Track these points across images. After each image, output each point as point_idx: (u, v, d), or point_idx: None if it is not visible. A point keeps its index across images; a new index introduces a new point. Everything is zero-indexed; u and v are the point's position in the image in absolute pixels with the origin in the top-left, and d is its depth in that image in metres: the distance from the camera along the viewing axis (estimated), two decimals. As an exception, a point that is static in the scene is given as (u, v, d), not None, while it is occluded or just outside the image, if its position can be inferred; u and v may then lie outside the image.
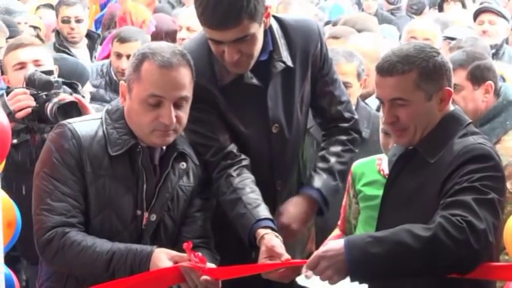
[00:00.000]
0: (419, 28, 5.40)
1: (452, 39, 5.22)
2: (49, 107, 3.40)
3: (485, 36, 6.09)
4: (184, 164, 2.89)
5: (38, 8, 8.01)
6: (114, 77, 5.27)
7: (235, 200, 2.91)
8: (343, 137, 3.20)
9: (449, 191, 2.57)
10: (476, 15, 6.40)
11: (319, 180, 3.10)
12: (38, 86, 3.52)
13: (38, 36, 6.62)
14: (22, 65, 3.87)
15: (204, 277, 2.65)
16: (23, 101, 3.42)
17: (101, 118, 2.85)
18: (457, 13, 7.43)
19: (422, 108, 2.70)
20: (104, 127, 2.81)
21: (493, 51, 5.94)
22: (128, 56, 5.08)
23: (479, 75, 3.67)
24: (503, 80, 4.05)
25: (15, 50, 3.97)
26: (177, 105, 2.77)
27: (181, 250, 2.74)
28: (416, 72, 2.67)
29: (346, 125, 3.21)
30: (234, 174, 2.95)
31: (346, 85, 3.80)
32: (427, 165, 2.68)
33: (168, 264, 2.66)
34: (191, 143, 2.99)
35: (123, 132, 2.80)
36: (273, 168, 3.10)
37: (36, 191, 2.79)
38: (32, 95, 3.48)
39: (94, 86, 5.23)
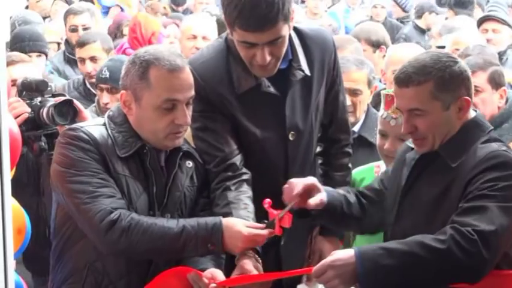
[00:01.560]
0: (465, 41, 5.27)
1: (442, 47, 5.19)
2: (44, 111, 3.39)
3: (490, 45, 6.07)
4: (190, 162, 2.92)
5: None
6: (89, 86, 5.21)
7: (225, 214, 2.89)
8: (346, 160, 3.35)
9: (468, 195, 2.59)
10: (480, 23, 6.38)
11: None
12: (33, 87, 3.50)
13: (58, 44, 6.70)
14: (13, 82, 3.83)
15: (212, 285, 2.67)
16: (19, 107, 3.41)
17: (104, 124, 2.86)
18: (463, 20, 7.41)
19: (440, 118, 2.70)
20: (109, 131, 2.82)
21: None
22: (91, 58, 5.13)
23: (497, 80, 3.71)
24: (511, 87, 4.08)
25: (6, 68, 3.97)
26: (187, 104, 2.81)
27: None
28: (432, 83, 2.68)
29: (347, 136, 3.35)
30: (232, 188, 2.96)
31: (357, 92, 3.83)
32: (448, 170, 2.69)
33: (244, 228, 2.70)
34: (197, 150, 3.01)
35: (128, 135, 2.82)
36: (288, 175, 3.10)
37: (71, 191, 2.74)
38: (26, 103, 3.46)
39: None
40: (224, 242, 2.69)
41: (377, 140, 3.36)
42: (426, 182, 2.75)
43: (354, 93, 3.83)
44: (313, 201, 2.80)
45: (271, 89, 3.03)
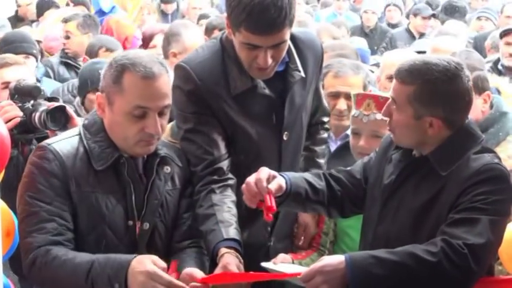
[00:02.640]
0: (444, 48, 5.32)
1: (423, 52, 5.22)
2: (37, 115, 3.39)
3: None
4: (168, 168, 2.89)
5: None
6: None
7: (209, 215, 2.91)
8: (325, 134, 3.50)
9: (459, 206, 2.59)
10: (502, 36, 6.33)
11: None
12: (26, 92, 3.50)
13: (41, 49, 6.68)
14: (6, 85, 3.81)
15: (193, 284, 2.65)
16: (11, 111, 3.42)
17: (79, 134, 2.82)
18: (456, 26, 7.45)
19: (408, 122, 2.70)
20: (85, 142, 2.79)
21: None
22: None
23: (480, 85, 3.70)
24: (499, 92, 4.09)
25: (0, 70, 3.95)
26: (160, 114, 2.77)
27: (174, 256, 2.80)
28: (412, 89, 2.67)
29: (328, 117, 3.52)
30: (217, 191, 2.97)
31: None
32: (438, 177, 2.68)
33: (151, 266, 2.58)
34: (184, 151, 3.02)
35: (104, 146, 2.78)
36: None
37: (21, 216, 2.76)
38: (18, 106, 3.46)
39: (65, 102, 5.23)
40: (128, 281, 2.58)
41: (350, 139, 3.42)
42: (413, 187, 2.74)
43: (350, 97, 3.87)
44: (272, 186, 2.77)
45: (267, 91, 3.06)
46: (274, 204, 2.73)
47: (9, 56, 4.21)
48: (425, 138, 2.72)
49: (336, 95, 3.81)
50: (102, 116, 2.81)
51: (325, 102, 3.52)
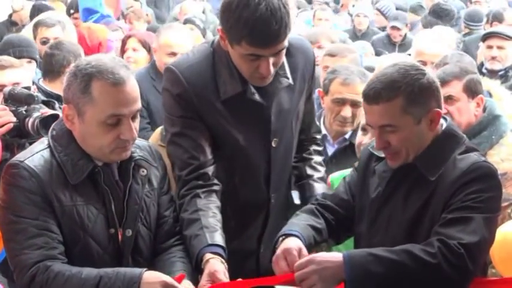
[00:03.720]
0: (429, 52, 5.33)
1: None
2: (30, 121, 3.39)
3: (495, 62, 6.12)
4: (144, 170, 2.84)
5: None
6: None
7: (194, 219, 2.90)
8: (319, 148, 3.44)
9: (451, 206, 2.61)
10: (484, 39, 6.35)
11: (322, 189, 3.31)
12: (20, 99, 3.50)
13: None
14: (1, 88, 3.79)
15: None
16: (4, 116, 3.41)
17: (49, 146, 2.76)
18: (444, 31, 7.47)
19: (412, 132, 2.70)
20: (56, 155, 2.73)
21: (502, 72, 6.06)
22: None
23: (473, 88, 3.70)
24: (490, 95, 4.09)
25: None
26: (133, 117, 2.72)
27: (159, 258, 2.82)
28: (402, 98, 2.67)
29: (319, 135, 3.47)
30: (202, 195, 2.96)
31: (358, 104, 3.90)
32: (427, 183, 2.69)
33: (166, 277, 2.60)
34: (170, 155, 3.01)
35: (76, 158, 2.72)
36: (269, 182, 3.15)
37: (8, 235, 2.70)
38: (11, 111, 3.46)
39: None
40: None
41: (358, 135, 3.42)
42: (404, 196, 2.75)
43: (356, 104, 3.89)
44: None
45: (256, 97, 3.05)
46: None
47: (4, 59, 4.17)
48: (428, 137, 2.73)
49: (342, 102, 3.84)
50: (72, 128, 2.73)
51: (316, 119, 3.49)
